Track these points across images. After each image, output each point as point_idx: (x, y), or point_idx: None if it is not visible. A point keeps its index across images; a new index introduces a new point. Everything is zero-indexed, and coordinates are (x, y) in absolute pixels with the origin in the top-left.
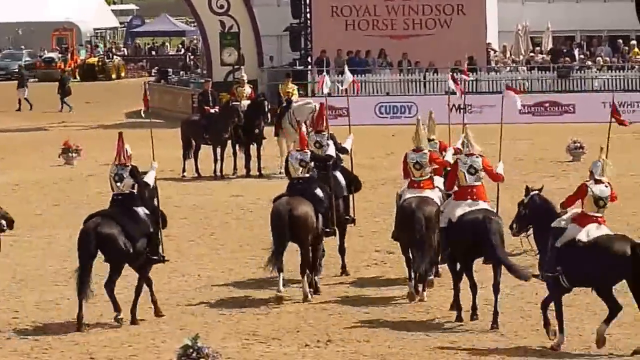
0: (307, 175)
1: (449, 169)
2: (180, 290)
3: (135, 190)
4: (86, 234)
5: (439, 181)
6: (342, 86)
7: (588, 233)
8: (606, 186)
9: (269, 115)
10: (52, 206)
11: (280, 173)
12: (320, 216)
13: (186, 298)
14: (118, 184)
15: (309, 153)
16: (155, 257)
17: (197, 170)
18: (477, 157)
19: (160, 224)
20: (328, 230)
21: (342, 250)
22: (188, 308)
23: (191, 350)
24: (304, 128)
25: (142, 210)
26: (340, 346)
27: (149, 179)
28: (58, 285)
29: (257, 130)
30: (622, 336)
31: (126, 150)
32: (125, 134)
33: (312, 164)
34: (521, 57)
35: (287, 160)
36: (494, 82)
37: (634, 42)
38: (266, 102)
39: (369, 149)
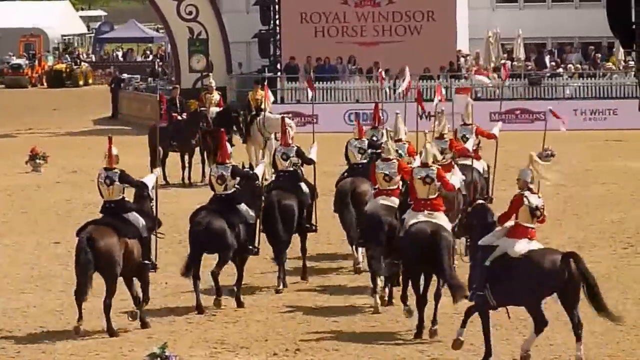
0: (365, 160)
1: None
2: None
3: None
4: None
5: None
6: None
7: None
8: None
9: (243, 129)
10: (20, 213)
11: None
12: None
13: (154, 306)
14: None
15: (366, 141)
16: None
17: (164, 177)
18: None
19: None
20: None
21: None
22: (156, 316)
23: (159, 358)
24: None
25: None
26: (309, 355)
27: None
28: (25, 293)
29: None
30: (593, 345)
31: None
32: (93, 141)
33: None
34: (492, 64)
35: (347, 147)
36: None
37: (614, 49)
38: (240, 119)
39: (338, 156)
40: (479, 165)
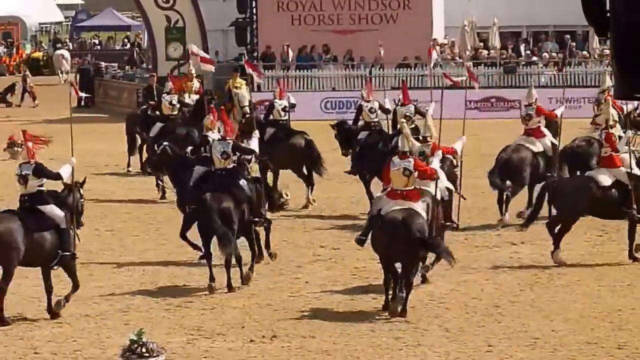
0: None
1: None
2: (125, 285)
3: None
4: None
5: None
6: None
7: None
8: None
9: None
10: None
11: None
12: None
13: (131, 293)
14: None
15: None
16: None
17: (142, 165)
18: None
19: None
20: None
21: None
22: (133, 303)
23: (136, 345)
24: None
25: None
26: (286, 342)
27: None
28: None
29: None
30: (568, 332)
31: None
32: (70, 129)
33: None
34: (467, 52)
35: None
36: (439, 77)
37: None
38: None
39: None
40: (543, 142)
